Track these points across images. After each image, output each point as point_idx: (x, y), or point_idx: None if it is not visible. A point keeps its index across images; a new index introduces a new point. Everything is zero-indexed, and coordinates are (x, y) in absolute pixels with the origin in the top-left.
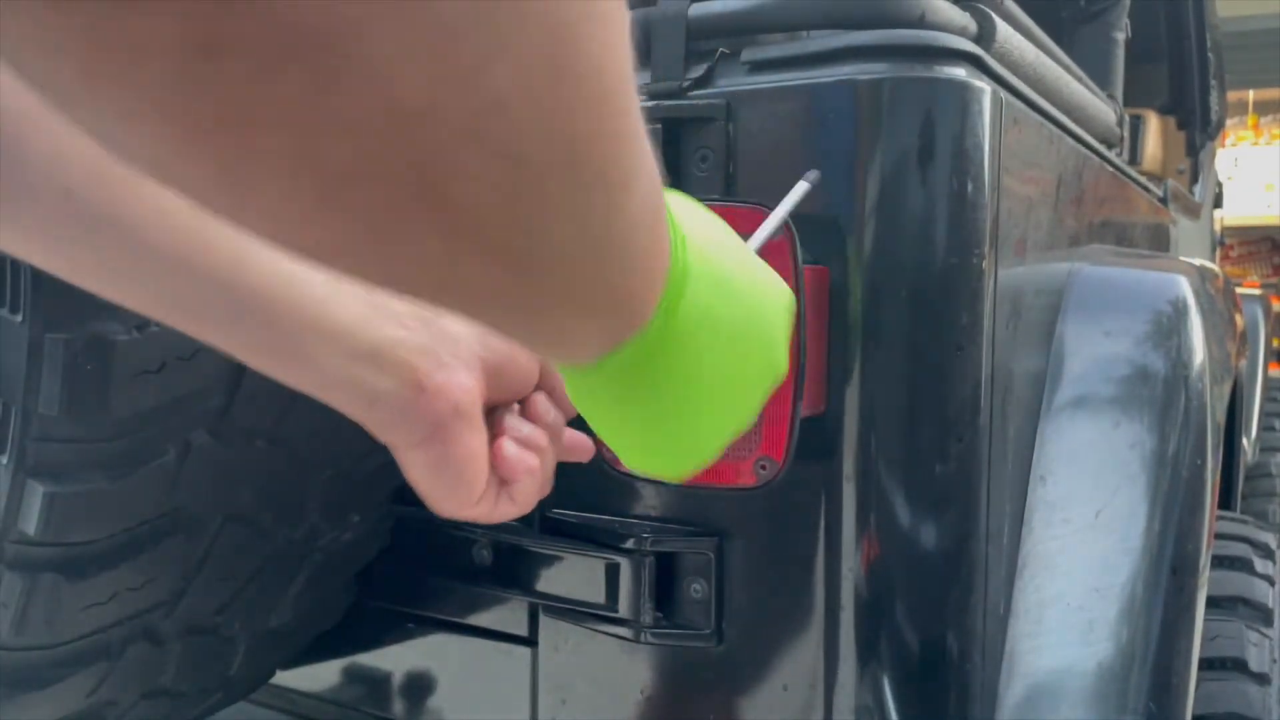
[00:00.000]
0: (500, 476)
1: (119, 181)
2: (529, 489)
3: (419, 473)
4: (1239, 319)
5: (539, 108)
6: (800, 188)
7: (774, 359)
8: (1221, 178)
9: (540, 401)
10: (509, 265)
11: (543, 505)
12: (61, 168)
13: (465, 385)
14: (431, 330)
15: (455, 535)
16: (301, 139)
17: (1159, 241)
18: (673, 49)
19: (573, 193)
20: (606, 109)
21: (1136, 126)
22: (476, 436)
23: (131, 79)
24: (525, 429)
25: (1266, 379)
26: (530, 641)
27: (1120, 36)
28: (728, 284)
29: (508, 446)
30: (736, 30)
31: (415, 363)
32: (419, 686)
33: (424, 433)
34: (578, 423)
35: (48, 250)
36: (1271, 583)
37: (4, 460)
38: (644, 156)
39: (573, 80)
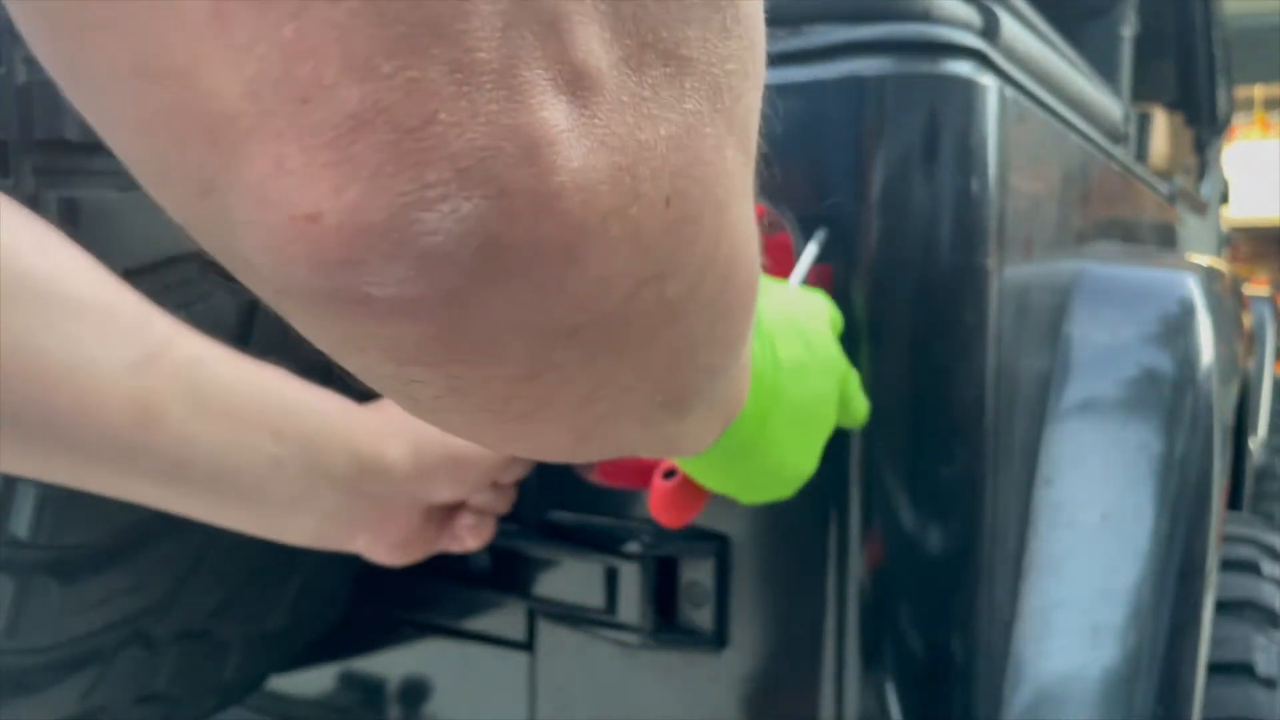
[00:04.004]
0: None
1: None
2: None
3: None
4: (1247, 319)
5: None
6: (810, 250)
7: (833, 413)
8: (1229, 175)
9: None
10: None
11: (541, 508)
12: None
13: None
14: (361, 487)
15: None
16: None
17: (1166, 240)
18: None
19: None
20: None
21: (1143, 123)
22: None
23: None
24: (480, 499)
25: (1275, 380)
26: (528, 647)
27: (1127, 32)
28: (801, 369)
29: (461, 530)
30: None
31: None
32: (415, 692)
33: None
34: None
35: None
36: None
37: None
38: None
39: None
